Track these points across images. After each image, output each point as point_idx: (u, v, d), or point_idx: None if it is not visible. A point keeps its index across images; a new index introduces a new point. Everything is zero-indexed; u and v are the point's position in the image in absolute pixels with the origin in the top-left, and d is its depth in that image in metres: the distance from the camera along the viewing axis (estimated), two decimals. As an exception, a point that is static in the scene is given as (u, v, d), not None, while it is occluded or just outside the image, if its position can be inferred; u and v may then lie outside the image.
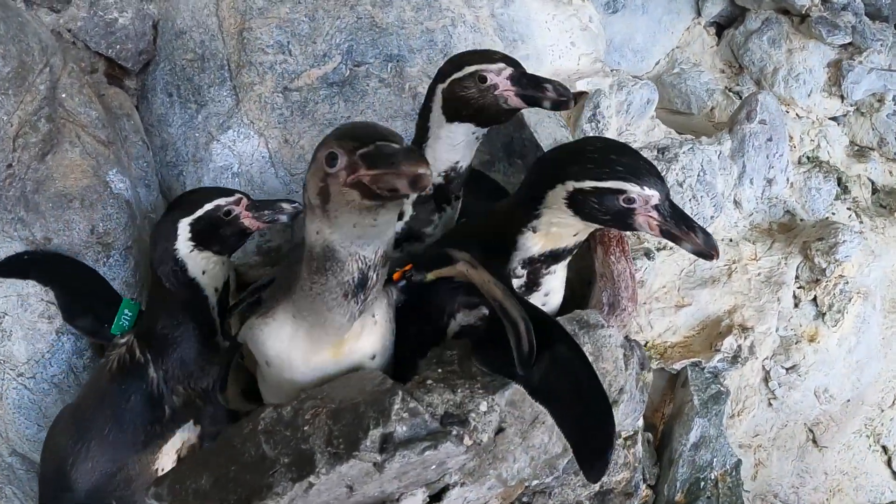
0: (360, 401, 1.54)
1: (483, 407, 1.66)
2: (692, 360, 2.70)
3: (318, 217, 1.42)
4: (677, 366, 2.70)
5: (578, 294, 2.14)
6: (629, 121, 2.75)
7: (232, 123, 2.36)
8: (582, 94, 2.71)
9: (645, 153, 2.71)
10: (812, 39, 3.09)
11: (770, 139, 2.77)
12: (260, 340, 1.65)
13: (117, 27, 2.22)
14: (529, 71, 1.79)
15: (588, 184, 1.56)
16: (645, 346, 2.75)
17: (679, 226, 1.56)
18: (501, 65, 1.76)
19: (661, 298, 2.78)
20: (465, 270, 1.72)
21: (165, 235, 1.83)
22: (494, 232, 1.78)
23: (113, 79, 2.33)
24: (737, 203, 2.85)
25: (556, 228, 1.68)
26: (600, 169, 1.56)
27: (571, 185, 1.58)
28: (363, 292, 1.51)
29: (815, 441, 2.80)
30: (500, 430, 1.73)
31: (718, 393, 2.64)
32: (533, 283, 1.80)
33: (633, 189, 1.53)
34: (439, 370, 1.74)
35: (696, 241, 1.55)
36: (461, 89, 1.77)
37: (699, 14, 3.18)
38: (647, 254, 2.66)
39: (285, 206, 1.89)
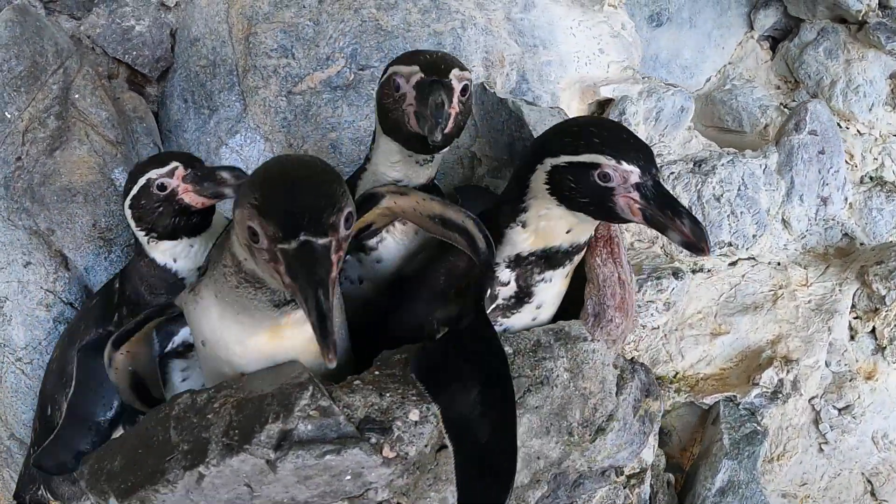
0: (268, 392, 1.46)
1: (414, 416, 1.52)
2: (726, 394, 2.43)
3: (246, 252, 1.30)
4: (709, 400, 2.45)
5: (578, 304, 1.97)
6: (661, 130, 2.57)
7: (240, 128, 2.40)
8: (609, 101, 2.56)
9: (679, 165, 2.53)
10: (871, 48, 2.81)
11: (822, 152, 2.50)
12: (192, 318, 1.56)
13: (133, 34, 2.33)
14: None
15: (563, 159, 1.41)
16: (674, 377, 2.52)
17: (663, 210, 1.36)
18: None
19: (694, 325, 2.54)
20: (392, 203, 1.61)
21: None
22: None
23: (134, 85, 2.45)
24: (785, 223, 2.58)
25: (545, 222, 1.53)
26: (576, 142, 1.41)
27: (549, 162, 1.44)
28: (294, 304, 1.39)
29: (873, 493, 2.44)
30: (443, 447, 1.59)
31: (754, 433, 2.36)
32: (524, 293, 1.65)
33: (608, 163, 1.36)
34: (376, 372, 1.64)
35: (682, 229, 1.35)
36: (381, 97, 1.62)
37: (752, 27, 2.97)
38: (676, 273, 2.44)
39: (226, 175, 1.73)
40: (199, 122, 2.45)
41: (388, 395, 1.54)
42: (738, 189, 2.51)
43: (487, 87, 2.28)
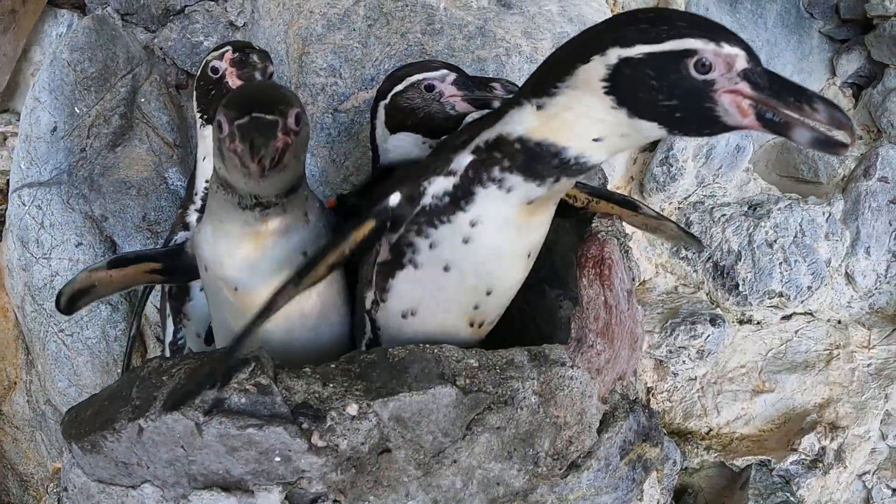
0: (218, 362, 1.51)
1: (351, 410, 1.48)
2: (760, 457, 2.21)
3: (218, 158, 1.38)
4: (740, 462, 2.23)
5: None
6: (715, 170, 2.41)
7: (289, 141, 2.52)
8: (658, 137, 2.45)
9: (733, 208, 2.38)
10: (957, 97, 2.47)
11: (893, 201, 2.24)
12: (196, 247, 1.61)
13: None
14: None
15: (639, 49, 1.06)
16: (707, 433, 2.31)
17: (785, 98, 1.02)
18: (444, 71, 1.70)
19: (735, 380, 2.33)
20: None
21: None
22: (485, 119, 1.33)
23: (203, 97, 2.65)
24: (849, 277, 2.33)
25: (572, 116, 1.16)
26: (656, 27, 1.07)
27: (616, 53, 1.08)
28: (263, 209, 1.45)
29: None
30: (386, 450, 1.55)
31: (785, 503, 2.12)
32: (464, 192, 1.29)
33: (706, 47, 1.03)
34: (332, 365, 1.63)
35: (817, 116, 1.01)
36: (404, 101, 1.70)
37: (834, 73, 2.73)
38: (713, 320, 2.27)
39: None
40: (255, 134, 2.59)
41: (331, 385, 1.52)
42: (795, 236, 2.30)
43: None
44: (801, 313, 2.34)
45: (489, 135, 1.25)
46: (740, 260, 2.29)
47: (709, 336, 2.25)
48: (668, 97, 1.06)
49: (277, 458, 1.47)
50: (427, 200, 1.34)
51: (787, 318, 2.35)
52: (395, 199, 1.37)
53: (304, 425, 1.46)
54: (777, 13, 2.75)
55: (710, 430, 2.30)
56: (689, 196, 2.39)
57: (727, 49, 1.03)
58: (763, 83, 1.03)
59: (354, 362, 1.64)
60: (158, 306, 2.39)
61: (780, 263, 2.29)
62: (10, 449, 2.55)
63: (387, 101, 1.73)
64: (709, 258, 2.35)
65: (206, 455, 1.49)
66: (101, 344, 2.35)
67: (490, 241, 1.35)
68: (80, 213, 2.35)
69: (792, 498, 2.13)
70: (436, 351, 1.60)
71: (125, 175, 2.37)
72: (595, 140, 1.17)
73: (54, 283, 2.35)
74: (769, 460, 2.18)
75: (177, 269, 1.73)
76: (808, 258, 2.29)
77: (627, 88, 1.09)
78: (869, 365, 2.23)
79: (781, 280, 2.28)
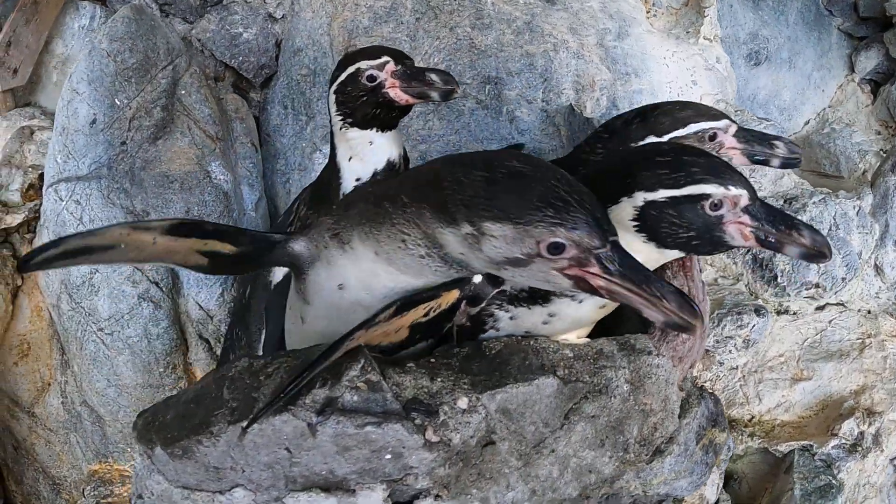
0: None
1: (462, 403, 1.50)
2: (803, 443, 2.30)
3: (472, 255, 1.31)
4: (783, 447, 2.31)
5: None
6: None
7: (333, 134, 2.50)
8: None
9: (770, 202, 2.45)
10: (977, 93, 2.64)
11: (921, 197, 2.37)
12: (336, 263, 1.49)
13: (241, 41, 2.50)
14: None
15: (662, 193, 1.31)
16: (749, 420, 2.40)
17: (777, 227, 1.31)
18: (386, 58, 1.75)
19: (775, 368, 2.42)
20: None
21: None
22: None
23: (239, 90, 2.61)
24: (878, 269, 2.44)
25: None
26: (675, 173, 1.32)
27: (642, 197, 1.33)
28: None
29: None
30: (490, 443, 1.56)
31: (828, 486, 2.21)
32: (540, 295, 1.55)
33: (717, 191, 1.29)
34: (432, 360, 1.64)
35: (802, 241, 1.30)
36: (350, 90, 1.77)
37: (853, 70, 2.86)
38: (758, 310, 2.35)
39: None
40: (296, 128, 2.57)
41: (439, 379, 1.53)
42: (830, 229, 2.40)
43: (575, 109, 2.30)
44: (833, 304, 2.45)
45: None
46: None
47: (754, 326, 2.33)
48: (686, 230, 1.32)
49: (388, 456, 1.47)
50: (508, 287, 1.55)
51: (820, 308, 2.45)
52: (478, 277, 1.52)
53: (417, 420, 1.46)
54: (798, 10, 2.87)
55: (753, 417, 2.39)
56: (728, 192, 2.47)
57: (734, 191, 1.29)
58: (761, 215, 1.31)
59: (451, 356, 1.66)
60: (204, 304, 2.35)
61: (817, 256, 2.39)
62: (43, 452, 2.46)
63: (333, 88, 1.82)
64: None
65: (312, 455, 1.46)
66: (142, 342, 2.29)
67: (566, 325, 1.59)
68: (121, 208, 2.28)
69: (834, 481, 2.23)
70: (532, 342, 1.64)
71: (167, 169, 2.32)
72: None
73: (93, 281, 2.28)
74: (811, 445, 2.28)
75: (250, 260, 1.51)
76: (843, 250, 2.40)
77: (654, 226, 1.34)
78: (899, 353, 2.36)
79: (818, 271, 2.38)
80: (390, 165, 1.89)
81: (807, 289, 2.39)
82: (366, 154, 1.86)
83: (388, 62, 1.76)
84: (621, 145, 1.66)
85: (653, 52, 2.54)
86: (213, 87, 2.47)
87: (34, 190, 2.48)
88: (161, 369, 2.31)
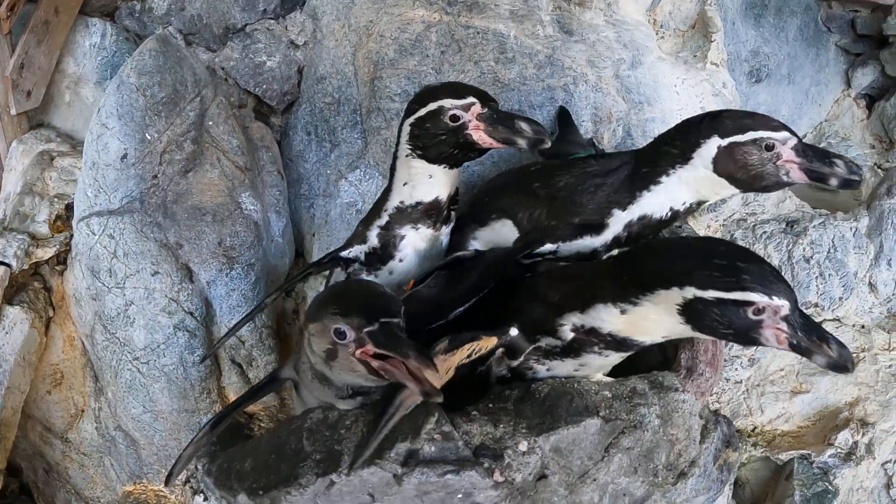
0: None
1: (522, 447, 1.66)
2: (801, 451, 2.49)
3: (318, 360, 1.63)
4: (784, 456, 2.51)
5: (671, 357, 2.08)
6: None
7: (359, 163, 2.55)
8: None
9: (772, 225, 2.60)
10: (970, 114, 2.82)
11: (913, 219, 2.54)
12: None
13: (265, 69, 2.51)
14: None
15: (711, 294, 1.42)
16: (753, 430, 2.58)
17: (810, 337, 1.42)
18: (472, 99, 1.77)
19: (776, 382, 2.59)
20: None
21: None
22: (572, 292, 1.70)
23: (260, 115, 2.63)
24: (872, 286, 2.62)
25: (647, 324, 1.57)
26: (726, 277, 1.42)
27: (692, 292, 1.44)
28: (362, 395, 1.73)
29: (940, 564, 2.45)
30: (542, 476, 1.72)
31: (825, 492, 2.41)
32: (573, 351, 1.72)
33: (761, 300, 1.39)
34: (490, 405, 1.77)
35: (829, 353, 1.42)
36: (430, 126, 1.79)
37: (849, 85, 3.00)
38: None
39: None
40: (320, 155, 2.61)
41: (501, 426, 1.70)
42: (828, 251, 2.56)
43: (596, 143, 2.39)
44: (830, 319, 2.62)
45: (584, 320, 1.64)
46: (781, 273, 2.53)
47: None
48: (727, 327, 1.44)
49: (460, 496, 1.64)
50: (542, 344, 1.75)
51: (818, 324, 2.62)
52: (514, 331, 1.74)
53: (486, 465, 1.62)
54: (797, 27, 2.97)
55: (755, 427, 2.56)
56: (734, 214, 2.61)
57: (777, 301, 1.39)
58: (797, 325, 1.41)
59: (505, 399, 1.81)
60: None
61: (816, 277, 2.55)
62: (76, 474, 2.52)
63: (411, 120, 1.86)
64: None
65: (393, 500, 1.61)
66: (178, 370, 2.34)
67: (593, 370, 1.80)
68: (154, 242, 2.31)
69: (830, 487, 2.42)
70: (575, 385, 1.80)
71: (199, 201, 2.34)
72: (662, 336, 1.60)
73: (128, 313, 2.31)
74: (809, 454, 2.47)
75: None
76: (840, 272, 2.56)
77: (697, 317, 1.46)
78: (890, 366, 2.54)
79: (818, 292, 2.55)
80: (434, 203, 1.94)
81: (806, 308, 2.55)
82: (420, 185, 1.91)
83: (474, 104, 1.77)
84: (694, 140, 1.73)
85: (664, 79, 2.63)
86: (238, 115, 2.49)
87: (62, 221, 2.49)
88: (196, 394, 2.37)
